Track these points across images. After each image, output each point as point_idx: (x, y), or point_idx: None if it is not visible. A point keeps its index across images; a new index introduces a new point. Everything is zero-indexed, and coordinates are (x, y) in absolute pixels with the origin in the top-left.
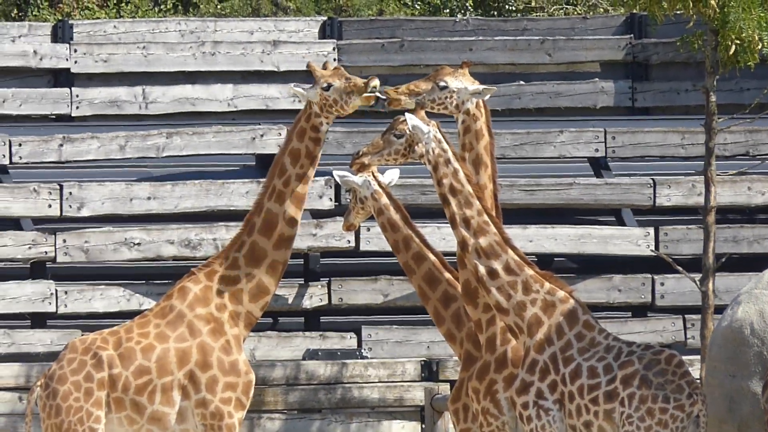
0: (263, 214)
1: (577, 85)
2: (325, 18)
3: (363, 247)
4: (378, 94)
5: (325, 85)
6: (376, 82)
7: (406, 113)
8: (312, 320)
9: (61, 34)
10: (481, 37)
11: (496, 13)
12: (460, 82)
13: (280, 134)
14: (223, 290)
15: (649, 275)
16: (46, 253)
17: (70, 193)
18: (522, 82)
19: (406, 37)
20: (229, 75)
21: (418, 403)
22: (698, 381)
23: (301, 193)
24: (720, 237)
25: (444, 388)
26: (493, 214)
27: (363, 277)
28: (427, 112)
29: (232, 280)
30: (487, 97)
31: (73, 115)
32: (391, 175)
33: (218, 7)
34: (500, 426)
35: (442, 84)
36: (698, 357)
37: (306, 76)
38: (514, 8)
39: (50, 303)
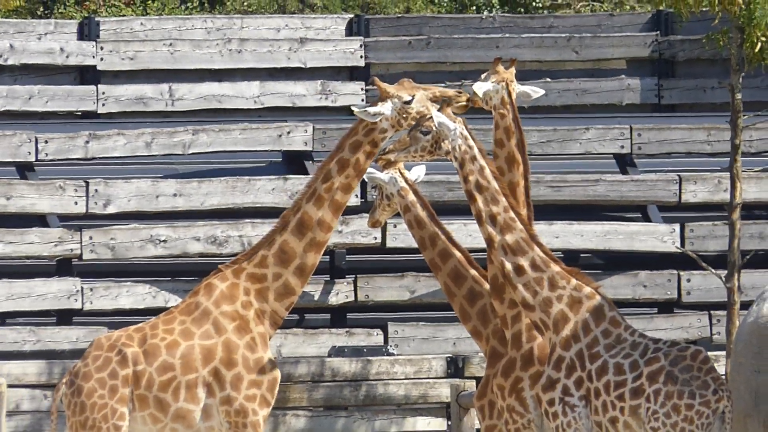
0: (299, 215)
1: (604, 82)
2: (351, 15)
3: (389, 243)
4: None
5: (408, 98)
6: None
7: (433, 110)
8: (338, 317)
9: (87, 31)
10: (507, 35)
11: (522, 10)
12: (480, 84)
13: (306, 131)
14: (249, 288)
15: (675, 271)
16: (72, 250)
17: (96, 190)
18: (548, 79)
19: (433, 34)
20: (256, 72)
21: (443, 400)
22: (723, 377)
23: (341, 202)
24: (745, 233)
25: (470, 385)
26: (524, 211)
27: (389, 274)
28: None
29: (259, 278)
30: (518, 94)
31: (99, 112)
32: (418, 172)
33: (245, 4)
34: (526, 423)
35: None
36: (724, 353)
37: (332, 73)
38: (540, 5)
39: (76, 300)
